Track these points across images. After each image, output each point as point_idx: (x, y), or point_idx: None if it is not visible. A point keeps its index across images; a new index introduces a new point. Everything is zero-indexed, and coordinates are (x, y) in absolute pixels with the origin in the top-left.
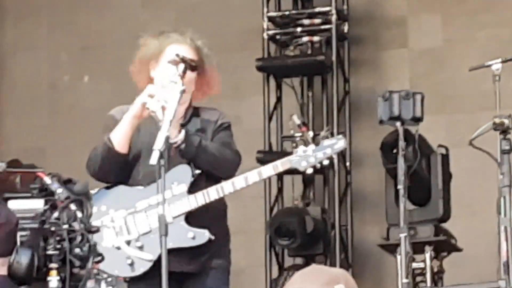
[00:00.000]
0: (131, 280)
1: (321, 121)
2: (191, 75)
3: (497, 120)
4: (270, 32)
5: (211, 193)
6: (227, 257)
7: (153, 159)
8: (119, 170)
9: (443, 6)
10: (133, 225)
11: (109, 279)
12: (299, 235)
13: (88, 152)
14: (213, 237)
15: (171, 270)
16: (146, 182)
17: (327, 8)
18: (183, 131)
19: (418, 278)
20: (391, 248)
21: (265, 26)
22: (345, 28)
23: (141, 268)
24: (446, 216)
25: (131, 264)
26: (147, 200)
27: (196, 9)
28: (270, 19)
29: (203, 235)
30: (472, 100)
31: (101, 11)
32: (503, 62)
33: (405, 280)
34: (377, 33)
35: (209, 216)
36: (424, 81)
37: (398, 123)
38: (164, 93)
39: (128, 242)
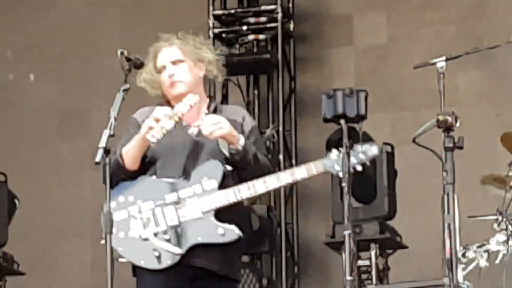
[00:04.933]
0: (150, 271)
1: (267, 119)
2: (182, 67)
3: (441, 118)
4: (216, 30)
5: (243, 191)
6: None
7: (98, 157)
8: (132, 178)
9: (388, 4)
10: (162, 217)
11: None
12: (245, 233)
13: (33, 149)
14: (242, 235)
15: (198, 265)
16: (175, 174)
17: (273, 7)
18: (242, 137)
19: (364, 276)
20: (337, 246)
21: (210, 24)
22: (291, 26)
23: (168, 261)
24: (391, 214)
25: (158, 257)
26: (177, 193)
27: (141, 7)
28: (216, 17)
29: (232, 232)
30: (417, 98)
31: (47, 9)
32: (447, 59)
33: (349, 278)
34: (323, 31)
35: (237, 220)
36: (369, 78)
37: (342, 121)
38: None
39: (156, 234)
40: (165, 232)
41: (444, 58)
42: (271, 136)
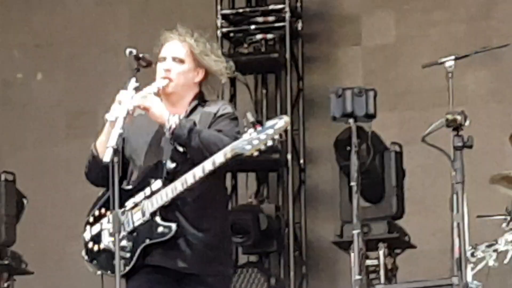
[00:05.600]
0: (128, 279)
1: None
2: (180, 67)
3: (450, 117)
4: (224, 30)
5: (178, 186)
6: (229, 264)
7: (107, 156)
8: (107, 174)
9: (396, 3)
10: (121, 225)
11: None
12: (253, 232)
13: (41, 148)
14: (174, 228)
15: (162, 265)
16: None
17: (281, 6)
18: (177, 115)
19: (372, 275)
20: (345, 245)
21: (218, 24)
22: (299, 25)
23: (126, 267)
24: (399, 213)
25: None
26: (133, 199)
27: (149, 6)
28: (224, 16)
29: (170, 229)
30: (425, 97)
31: (55, 8)
32: (456, 59)
33: (357, 277)
34: (331, 30)
35: (210, 218)
36: (377, 78)
37: (351, 120)
38: (139, 96)
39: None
40: (123, 239)
41: (452, 57)
42: (279, 135)
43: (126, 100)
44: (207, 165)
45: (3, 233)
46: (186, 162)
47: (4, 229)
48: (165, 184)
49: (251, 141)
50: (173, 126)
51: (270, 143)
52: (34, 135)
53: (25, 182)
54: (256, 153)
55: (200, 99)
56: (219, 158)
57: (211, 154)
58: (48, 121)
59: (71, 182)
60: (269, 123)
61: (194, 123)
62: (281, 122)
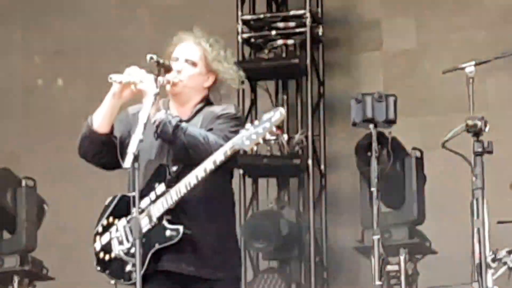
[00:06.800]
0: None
1: (296, 124)
2: (192, 70)
3: (470, 122)
4: (245, 35)
5: (181, 188)
6: (236, 269)
7: (127, 162)
8: (99, 149)
9: (417, 9)
10: (129, 232)
11: None
12: (274, 238)
13: (61, 154)
14: (188, 232)
15: (170, 269)
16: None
17: (302, 11)
18: (163, 110)
19: (393, 281)
20: (366, 251)
21: (239, 29)
22: (320, 31)
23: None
24: (420, 219)
25: (129, 272)
26: (139, 204)
27: (170, 13)
28: (245, 22)
29: (178, 232)
30: (445, 103)
31: (75, 14)
32: (476, 64)
33: (378, 283)
34: (352, 36)
35: (216, 220)
36: (398, 83)
37: (371, 126)
38: (145, 73)
39: (128, 250)
40: (132, 246)
41: (473, 63)
42: (300, 141)
43: (148, 81)
44: (208, 165)
45: (24, 239)
46: (189, 164)
47: (25, 235)
48: (169, 188)
49: (250, 136)
50: (158, 121)
51: (268, 136)
52: (54, 141)
53: (46, 188)
54: (255, 148)
55: (207, 102)
56: (219, 156)
57: (196, 152)
58: (68, 127)
59: (92, 188)
60: (265, 116)
61: (180, 120)
62: (277, 114)
